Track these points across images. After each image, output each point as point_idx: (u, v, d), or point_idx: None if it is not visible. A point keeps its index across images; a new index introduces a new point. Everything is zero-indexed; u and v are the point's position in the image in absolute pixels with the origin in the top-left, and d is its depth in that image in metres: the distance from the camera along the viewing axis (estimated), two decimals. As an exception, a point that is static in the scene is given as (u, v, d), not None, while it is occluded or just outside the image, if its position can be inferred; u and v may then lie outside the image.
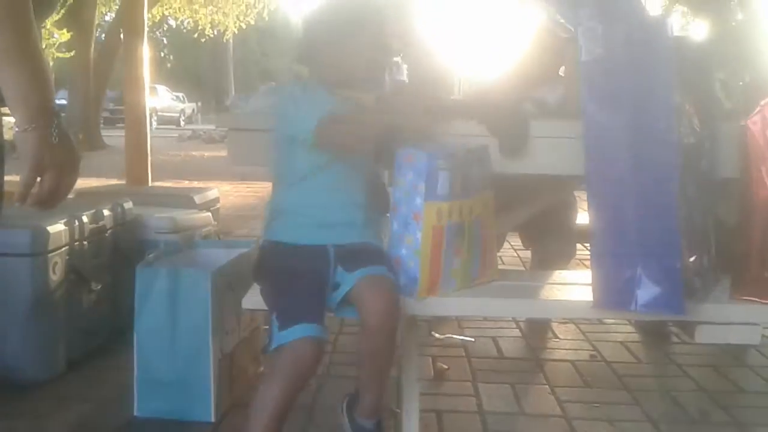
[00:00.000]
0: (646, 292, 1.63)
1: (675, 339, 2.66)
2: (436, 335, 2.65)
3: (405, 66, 2.74)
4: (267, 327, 2.22)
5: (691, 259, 1.69)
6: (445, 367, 2.34)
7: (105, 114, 15.58)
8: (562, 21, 1.83)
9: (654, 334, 2.67)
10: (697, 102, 1.73)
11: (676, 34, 1.62)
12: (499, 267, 1.96)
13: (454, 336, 2.66)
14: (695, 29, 13.09)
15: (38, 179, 1.05)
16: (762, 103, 1.71)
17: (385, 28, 1.74)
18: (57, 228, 2.17)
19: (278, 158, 1.70)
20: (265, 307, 1.65)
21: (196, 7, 15.97)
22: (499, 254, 2.29)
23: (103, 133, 14.03)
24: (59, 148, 1.05)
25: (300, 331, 1.47)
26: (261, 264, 1.72)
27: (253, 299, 1.71)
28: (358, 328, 2.62)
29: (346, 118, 1.62)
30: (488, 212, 1.80)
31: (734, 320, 1.76)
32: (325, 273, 1.62)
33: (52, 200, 1.07)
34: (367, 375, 1.63)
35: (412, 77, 2.26)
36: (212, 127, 15.48)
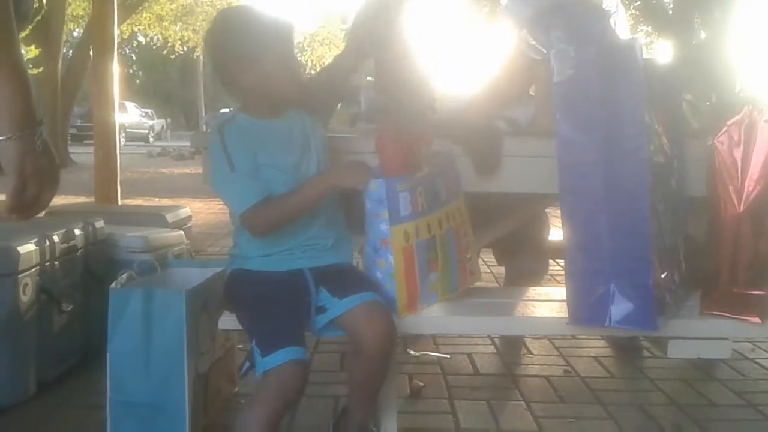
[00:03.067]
0: (620, 308, 1.66)
1: (647, 353, 2.69)
2: (412, 352, 2.66)
3: (377, 86, 2.77)
4: (241, 346, 2.21)
5: (663, 276, 1.73)
6: (422, 384, 2.34)
7: (72, 131, 15.37)
8: (534, 43, 1.86)
9: (626, 349, 2.71)
10: (665, 122, 1.77)
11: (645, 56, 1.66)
12: (475, 284, 1.97)
13: (430, 353, 2.66)
14: (659, 48, 13.40)
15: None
16: (728, 122, 1.76)
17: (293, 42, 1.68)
18: (27, 248, 2.13)
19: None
20: (241, 328, 1.66)
21: (166, 23, 15.94)
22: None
23: (70, 149, 13.84)
24: (42, 157, 1.05)
25: (283, 355, 1.48)
26: (233, 292, 1.71)
27: (229, 320, 1.72)
28: (334, 347, 2.63)
29: (273, 204, 1.58)
30: (461, 219, 1.81)
31: (705, 335, 1.79)
32: (304, 296, 1.62)
33: (33, 209, 1.07)
34: (360, 396, 1.65)
35: (387, 96, 2.28)
36: (182, 143, 15.39)
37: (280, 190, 1.60)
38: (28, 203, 1.06)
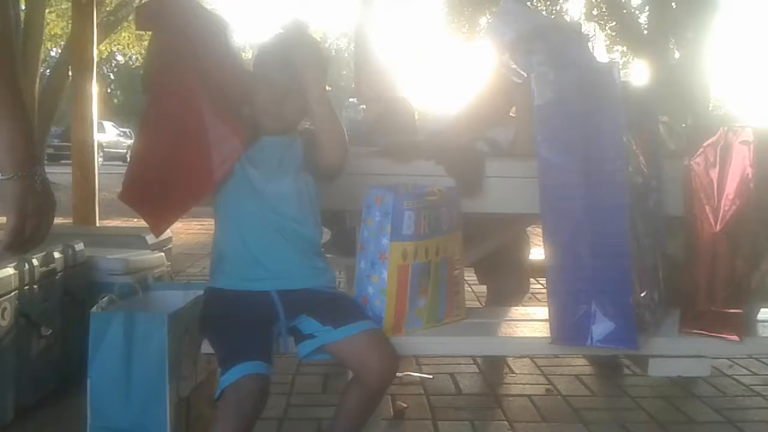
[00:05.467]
0: (601, 327, 1.67)
1: (627, 371, 2.72)
2: (395, 373, 2.65)
3: (362, 107, 2.79)
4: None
5: (642, 295, 1.75)
6: (405, 405, 2.34)
7: (49, 150, 15.22)
8: (515, 67, 1.89)
9: (607, 367, 2.73)
10: (643, 143, 1.81)
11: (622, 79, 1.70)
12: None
13: (413, 373, 2.66)
14: (634, 68, 13.63)
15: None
16: (704, 144, 1.80)
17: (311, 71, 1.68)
18: (6, 272, 2.10)
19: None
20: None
21: (146, 43, 15.87)
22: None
23: (47, 170, 13.67)
24: (42, 195, 1.10)
25: (240, 370, 1.46)
26: (204, 313, 1.74)
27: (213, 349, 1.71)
28: (316, 369, 2.61)
29: None
30: (456, 253, 1.83)
31: (684, 353, 1.82)
32: (269, 315, 1.63)
33: (31, 244, 1.12)
34: (349, 423, 1.64)
35: (371, 118, 2.30)
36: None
37: (246, 202, 1.66)
38: (26, 240, 1.09)
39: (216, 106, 1.66)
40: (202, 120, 1.64)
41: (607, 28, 12.53)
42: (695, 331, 1.81)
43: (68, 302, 2.44)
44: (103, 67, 27.62)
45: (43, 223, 1.11)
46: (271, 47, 1.71)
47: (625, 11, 12.69)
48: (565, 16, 13.67)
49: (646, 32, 12.06)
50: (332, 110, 1.66)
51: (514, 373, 2.73)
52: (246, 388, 1.45)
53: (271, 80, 1.66)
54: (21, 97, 1.08)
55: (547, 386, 2.59)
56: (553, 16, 11.97)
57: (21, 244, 1.10)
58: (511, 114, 2.26)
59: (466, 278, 2.00)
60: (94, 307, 1.92)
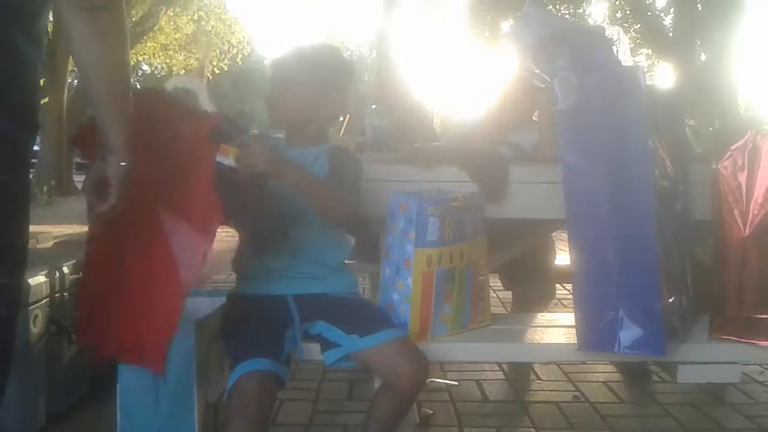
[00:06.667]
0: (629, 333, 1.66)
1: (656, 378, 2.68)
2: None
3: (384, 113, 2.80)
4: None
5: (670, 300, 1.73)
6: (431, 412, 2.33)
7: (77, 159, 15.47)
8: (538, 71, 1.89)
9: (635, 373, 2.70)
10: (669, 147, 1.79)
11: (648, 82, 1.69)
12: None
13: (438, 380, 2.65)
14: (660, 71, 13.49)
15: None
16: (732, 147, 1.78)
17: (341, 81, 1.75)
18: (37, 280, 2.14)
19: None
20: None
21: (171, 52, 16.10)
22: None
23: (75, 178, 13.91)
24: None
25: (241, 368, 1.48)
26: (222, 318, 1.77)
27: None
28: (342, 375, 2.62)
29: None
30: (481, 259, 1.83)
31: (714, 359, 1.79)
32: (282, 317, 1.65)
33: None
34: (382, 429, 1.64)
35: (394, 124, 2.31)
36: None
37: (283, 207, 1.66)
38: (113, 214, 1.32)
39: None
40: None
41: (631, 30, 12.43)
42: (725, 336, 1.79)
43: (98, 309, 2.47)
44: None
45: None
46: (296, 60, 1.73)
47: (649, 13, 12.59)
48: (588, 20, 13.58)
49: (671, 34, 11.94)
50: (317, 188, 1.62)
51: (541, 379, 2.71)
52: (248, 383, 1.45)
53: (293, 93, 1.69)
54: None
55: (574, 393, 2.57)
56: (576, 20, 11.91)
57: (111, 217, 1.32)
58: (533, 118, 2.25)
59: (491, 284, 2.00)
60: (123, 314, 1.95)
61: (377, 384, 1.69)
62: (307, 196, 1.60)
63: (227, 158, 1.50)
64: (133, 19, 13.10)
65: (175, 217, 1.49)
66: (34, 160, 14.82)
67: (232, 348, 1.60)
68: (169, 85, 2.26)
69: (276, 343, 1.58)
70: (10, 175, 1.11)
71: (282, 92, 1.71)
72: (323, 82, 1.69)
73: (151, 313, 1.50)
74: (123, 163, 1.28)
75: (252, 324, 1.62)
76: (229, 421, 1.47)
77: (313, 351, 1.69)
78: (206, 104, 1.74)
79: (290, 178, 1.56)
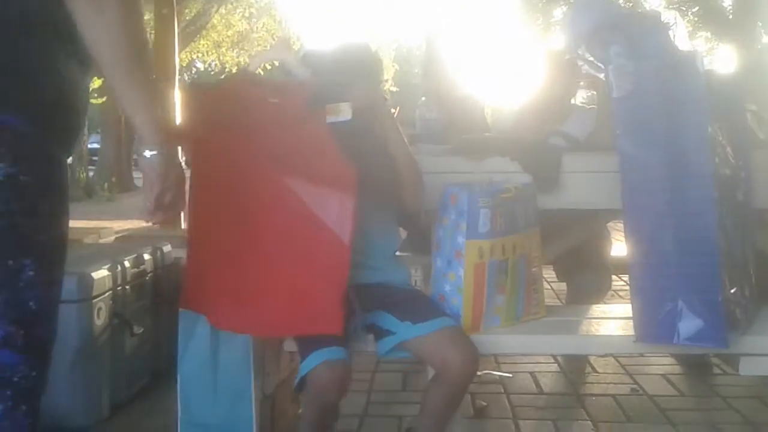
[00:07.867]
0: (688, 324, 1.62)
1: (717, 370, 2.61)
2: (474, 371, 2.64)
3: (434, 105, 2.78)
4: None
5: (732, 291, 1.68)
6: (485, 404, 2.32)
7: (135, 156, 15.91)
8: (592, 59, 1.85)
9: (696, 366, 2.63)
10: (730, 133, 1.74)
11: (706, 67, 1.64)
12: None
13: (492, 372, 2.64)
14: (720, 54, 13.06)
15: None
16: (796, 132, 1.72)
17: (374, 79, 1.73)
18: (101, 274, 2.21)
19: None
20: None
21: (223, 50, 16.36)
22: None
23: (134, 175, 14.30)
24: (179, 168, 1.25)
25: (316, 357, 1.51)
26: None
27: (293, 341, 1.75)
28: (396, 366, 2.63)
29: None
30: (534, 250, 1.81)
31: (779, 351, 1.74)
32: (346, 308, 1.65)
33: (171, 212, 1.27)
34: (433, 421, 1.65)
35: (444, 116, 2.29)
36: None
37: None
38: (166, 208, 1.25)
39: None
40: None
41: (689, 13, 12.07)
42: (790, 328, 1.73)
43: (158, 302, 2.54)
44: (185, 74, 28.59)
45: (179, 194, 1.26)
46: (335, 60, 1.73)
47: (708, -5, 12.20)
48: (643, 5, 13.23)
49: (731, 16, 11.54)
50: (408, 152, 1.68)
51: (597, 372, 2.67)
52: (324, 372, 1.50)
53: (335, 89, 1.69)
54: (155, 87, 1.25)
55: (632, 386, 2.52)
56: (631, 5, 11.61)
57: (160, 212, 1.25)
58: (571, 101, 2.22)
59: (545, 276, 1.98)
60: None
61: (430, 375, 1.69)
62: (397, 147, 1.64)
63: (337, 115, 1.55)
64: (186, 18, 13.34)
65: (310, 185, 1.55)
66: (95, 158, 15.26)
67: (303, 337, 1.63)
68: (257, 60, 2.27)
69: (345, 332, 1.60)
70: (20, 168, 1.07)
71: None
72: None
73: (314, 278, 1.56)
74: (154, 153, 1.19)
75: None
76: (306, 406, 1.52)
77: (368, 342, 1.71)
78: (300, 73, 1.73)
79: (389, 122, 1.63)
